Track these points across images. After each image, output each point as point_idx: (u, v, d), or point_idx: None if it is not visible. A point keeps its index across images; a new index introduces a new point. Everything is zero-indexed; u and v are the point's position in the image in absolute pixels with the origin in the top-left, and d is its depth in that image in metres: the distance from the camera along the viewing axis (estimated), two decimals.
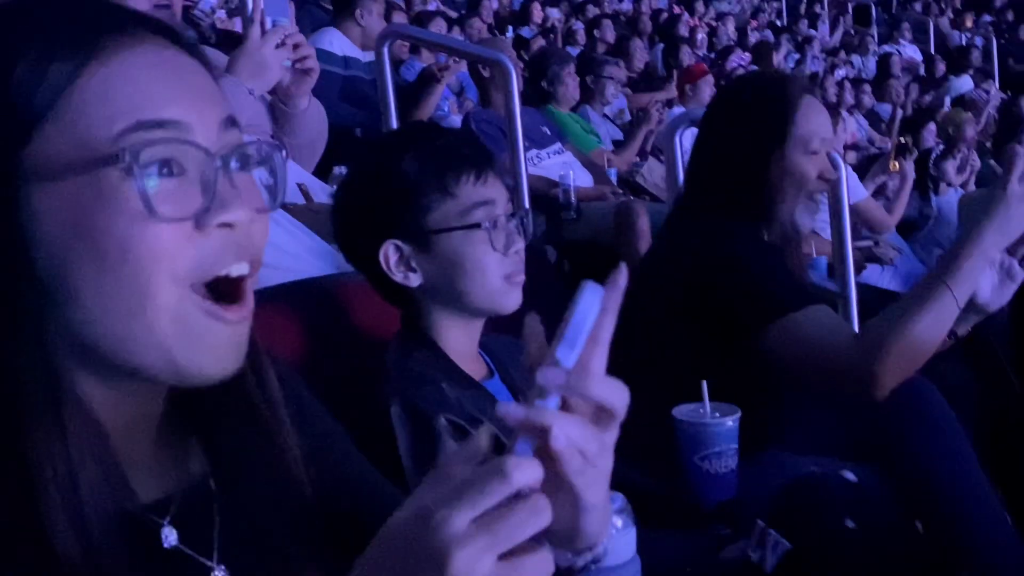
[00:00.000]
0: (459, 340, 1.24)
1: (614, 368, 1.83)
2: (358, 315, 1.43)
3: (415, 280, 1.21)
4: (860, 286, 3.05)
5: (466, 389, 1.18)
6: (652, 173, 3.86)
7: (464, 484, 0.53)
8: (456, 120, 4.25)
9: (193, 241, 0.58)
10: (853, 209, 3.80)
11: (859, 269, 3.39)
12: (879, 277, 3.79)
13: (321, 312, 1.42)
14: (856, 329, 2.47)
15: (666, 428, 1.37)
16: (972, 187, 4.18)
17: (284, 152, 0.64)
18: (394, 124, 3.07)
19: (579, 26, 7.65)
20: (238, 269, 0.60)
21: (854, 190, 3.83)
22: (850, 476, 1.44)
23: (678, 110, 4.62)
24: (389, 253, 1.20)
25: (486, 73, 3.72)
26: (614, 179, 3.72)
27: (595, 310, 0.55)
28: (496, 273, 1.20)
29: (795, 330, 1.45)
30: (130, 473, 0.60)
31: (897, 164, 4.03)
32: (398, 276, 1.20)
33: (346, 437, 0.78)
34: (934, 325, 1.35)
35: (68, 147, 0.56)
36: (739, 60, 6.39)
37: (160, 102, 0.58)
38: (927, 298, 1.35)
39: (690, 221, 1.63)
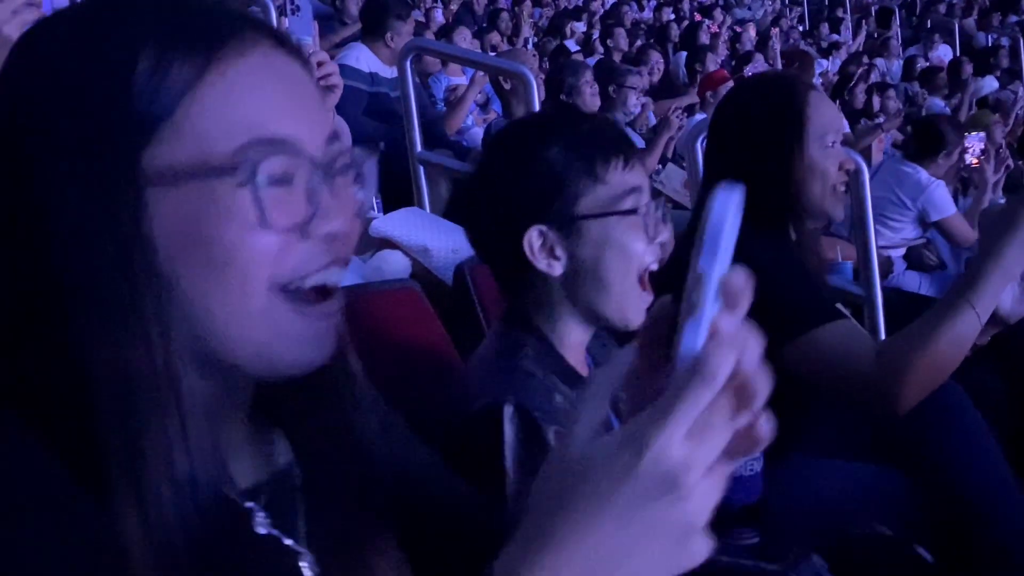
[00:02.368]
0: (576, 339, 1.21)
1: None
2: (382, 324, 1.45)
3: (558, 268, 1.17)
4: (890, 290, 3.04)
5: (576, 388, 1.15)
6: (671, 179, 3.86)
7: (665, 404, 0.49)
8: (478, 132, 4.28)
9: (295, 249, 0.60)
10: (939, 225, 3.80)
11: (885, 274, 3.37)
12: (917, 284, 3.77)
13: (346, 321, 1.44)
14: (882, 333, 2.46)
15: None
16: (999, 192, 4.14)
17: (377, 156, 0.67)
18: (418, 138, 3.11)
19: (595, 35, 7.69)
20: (335, 276, 0.62)
21: (942, 206, 3.83)
22: (884, 530, 1.42)
23: (700, 117, 4.62)
24: (533, 239, 1.16)
25: (507, 86, 3.75)
26: None
27: (732, 212, 0.49)
28: (639, 262, 1.16)
29: (817, 346, 1.45)
30: (228, 460, 0.62)
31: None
32: (541, 263, 1.16)
33: (408, 427, 0.80)
34: (956, 343, 1.34)
35: (185, 156, 0.58)
36: (754, 68, 6.37)
37: (276, 118, 0.60)
38: (949, 316, 1.33)
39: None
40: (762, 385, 0.51)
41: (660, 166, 4.22)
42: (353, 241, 0.63)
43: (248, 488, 0.65)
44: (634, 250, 1.16)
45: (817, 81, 6.97)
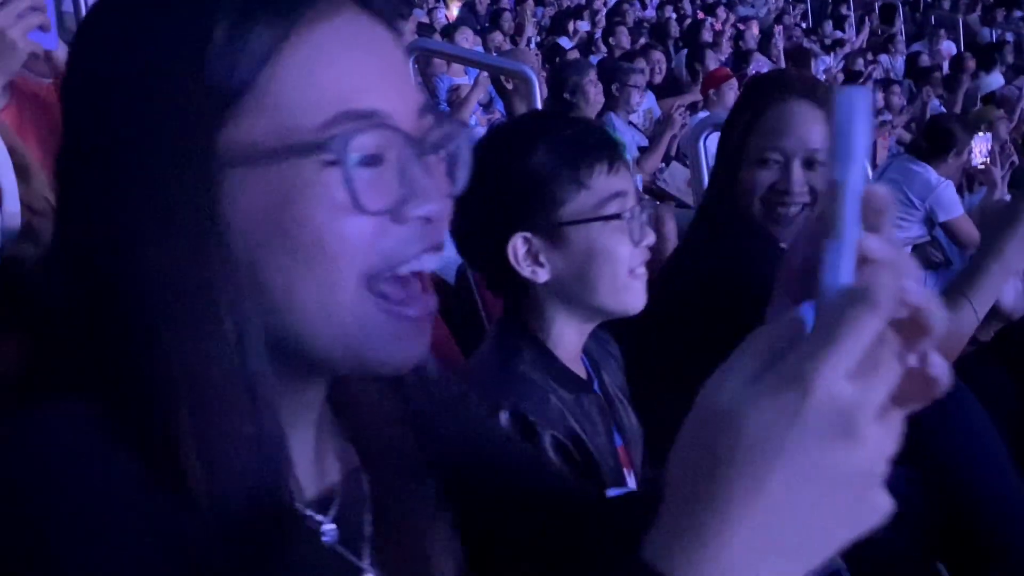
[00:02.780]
0: (570, 341, 1.20)
1: (647, 376, 1.82)
2: None
3: (543, 275, 1.16)
4: None
5: (574, 393, 1.17)
6: (674, 177, 3.86)
7: (824, 335, 0.42)
8: (482, 132, 4.28)
9: (389, 233, 0.55)
10: (945, 226, 3.80)
11: None
12: (922, 281, 3.74)
13: None
14: None
15: None
16: (1004, 187, 4.13)
17: (469, 131, 0.62)
18: None
19: (598, 34, 7.68)
20: (430, 262, 0.57)
21: (950, 206, 3.82)
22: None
23: (703, 115, 4.61)
24: (518, 246, 1.16)
25: (509, 85, 3.74)
26: (639, 186, 3.72)
27: (862, 110, 0.44)
28: (626, 265, 1.17)
29: None
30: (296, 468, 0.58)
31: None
32: (525, 270, 1.16)
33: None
34: (952, 338, 1.34)
35: (267, 132, 0.53)
36: (757, 66, 6.35)
37: (365, 89, 0.55)
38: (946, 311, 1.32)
39: (708, 231, 1.63)
40: (931, 317, 0.44)
41: (663, 164, 4.20)
42: (447, 224, 0.58)
43: (316, 498, 0.60)
44: (619, 255, 1.16)
45: (821, 79, 6.95)
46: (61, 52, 1.37)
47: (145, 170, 0.52)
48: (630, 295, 1.18)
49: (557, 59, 5.74)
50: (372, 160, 0.54)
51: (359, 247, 0.54)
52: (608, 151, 1.18)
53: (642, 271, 1.19)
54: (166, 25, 0.54)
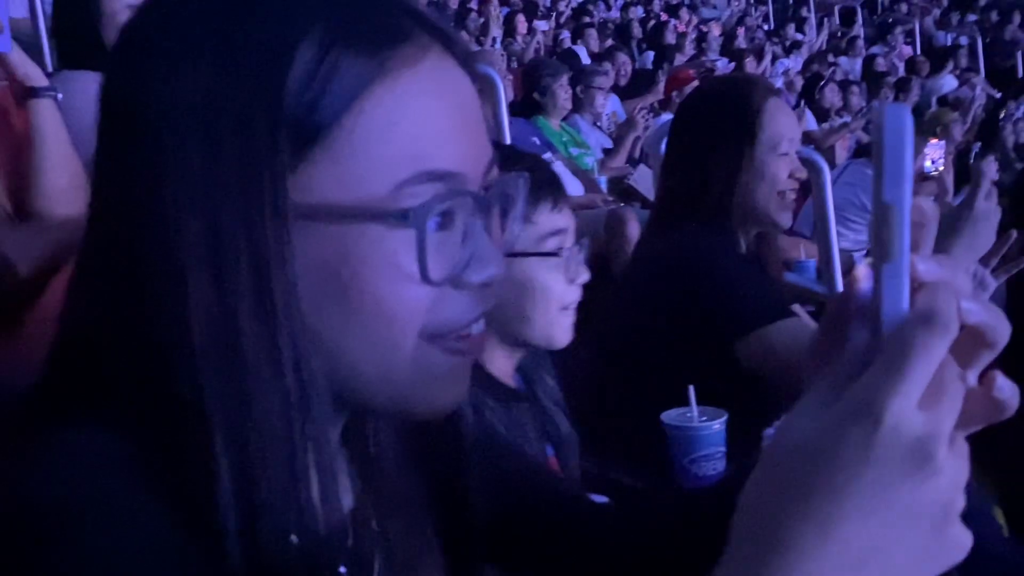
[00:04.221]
0: (502, 362, 1.23)
1: (606, 373, 1.84)
2: None
3: None
4: None
5: (504, 404, 1.19)
6: (644, 179, 3.89)
7: (892, 364, 0.39)
8: None
9: (448, 299, 0.51)
10: None
11: (847, 273, 3.42)
12: None
13: None
14: None
15: (656, 432, 1.40)
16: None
17: (527, 181, 0.58)
18: None
19: (566, 35, 7.70)
20: (478, 326, 0.54)
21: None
22: None
23: (666, 117, 4.66)
24: None
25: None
26: (604, 188, 3.75)
27: (908, 129, 0.42)
28: (558, 302, 1.20)
29: (767, 343, 1.49)
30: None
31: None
32: None
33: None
34: None
35: (337, 186, 0.47)
36: (722, 68, 6.43)
37: (443, 145, 0.50)
38: None
39: (668, 230, 1.67)
40: (994, 332, 0.42)
41: (629, 166, 4.25)
42: (501, 285, 0.54)
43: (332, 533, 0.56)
44: (553, 291, 1.20)
45: (780, 81, 7.05)
46: (16, 56, 1.35)
47: (199, 213, 0.46)
48: (557, 331, 1.22)
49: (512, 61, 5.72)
50: (442, 226, 0.50)
51: (419, 314, 0.50)
52: (554, 189, 1.22)
53: (572, 309, 1.23)
54: (240, 33, 0.46)
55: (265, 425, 0.47)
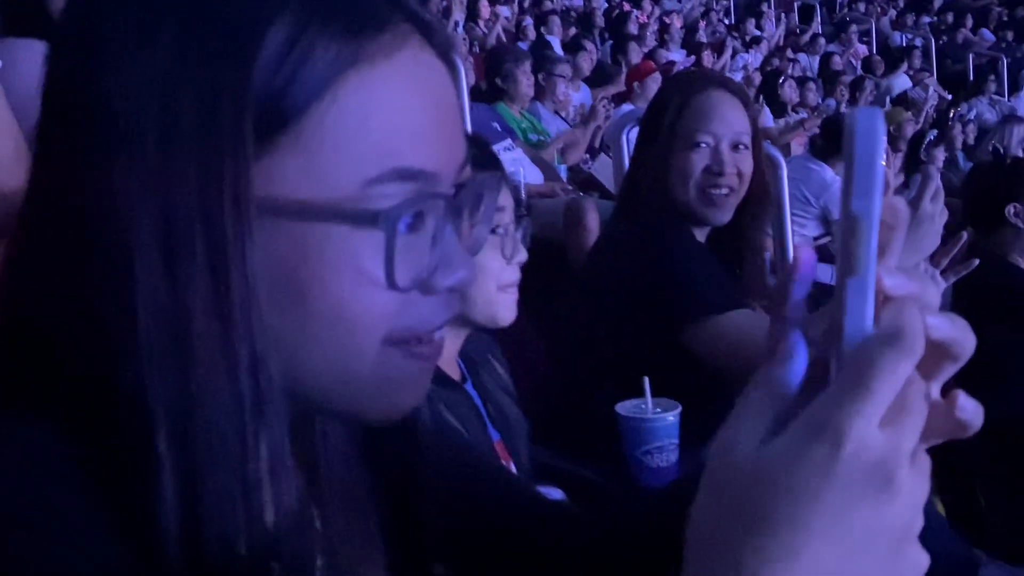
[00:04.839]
0: (446, 348, 1.20)
1: (560, 363, 1.85)
2: None
3: None
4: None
5: (446, 390, 1.18)
6: (604, 169, 3.91)
7: (854, 383, 0.38)
8: None
9: (414, 304, 0.49)
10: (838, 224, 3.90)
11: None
12: (829, 276, 3.88)
13: None
14: None
15: (610, 423, 1.40)
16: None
17: (501, 180, 0.56)
18: None
19: (529, 22, 7.67)
20: (442, 332, 0.52)
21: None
22: None
23: (626, 107, 4.67)
24: None
25: None
26: (564, 176, 3.75)
27: (880, 139, 0.39)
28: (495, 280, 1.18)
29: (716, 332, 1.50)
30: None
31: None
32: None
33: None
34: None
35: (303, 180, 0.44)
36: (682, 62, 6.47)
37: (419, 144, 0.47)
38: None
39: (627, 220, 1.68)
40: (960, 346, 0.40)
41: (588, 156, 4.25)
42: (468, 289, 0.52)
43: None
44: (489, 268, 1.18)
45: (739, 76, 7.11)
46: None
47: (153, 200, 0.43)
48: (499, 309, 1.20)
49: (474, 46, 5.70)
50: (411, 228, 0.48)
51: (383, 319, 0.48)
52: (489, 165, 1.20)
53: (513, 288, 1.21)
54: (207, 6, 0.43)
55: (214, 428, 0.45)
